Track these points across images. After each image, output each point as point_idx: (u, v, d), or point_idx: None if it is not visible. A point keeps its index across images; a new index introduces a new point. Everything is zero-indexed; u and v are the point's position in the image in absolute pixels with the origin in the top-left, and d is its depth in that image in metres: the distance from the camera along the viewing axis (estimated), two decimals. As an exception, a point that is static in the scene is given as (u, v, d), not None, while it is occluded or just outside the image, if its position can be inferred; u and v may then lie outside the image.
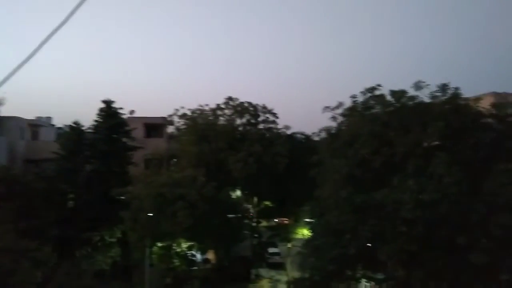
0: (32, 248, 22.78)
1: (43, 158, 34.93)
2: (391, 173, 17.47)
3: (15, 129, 37.27)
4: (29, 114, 60.74)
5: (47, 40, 5.38)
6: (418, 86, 19.19)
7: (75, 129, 32.27)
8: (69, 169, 30.36)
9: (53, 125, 47.78)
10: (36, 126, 41.72)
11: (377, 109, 20.35)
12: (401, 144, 17.58)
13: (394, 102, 19.75)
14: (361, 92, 20.40)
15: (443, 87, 18.98)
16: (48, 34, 5.29)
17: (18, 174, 27.34)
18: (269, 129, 36.99)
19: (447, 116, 18.04)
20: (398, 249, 15.50)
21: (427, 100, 19.47)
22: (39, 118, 44.13)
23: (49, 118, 46.90)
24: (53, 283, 24.28)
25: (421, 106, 19.32)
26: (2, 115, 37.16)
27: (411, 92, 19.38)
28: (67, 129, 35.40)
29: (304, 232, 34.20)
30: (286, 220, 42.62)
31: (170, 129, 40.80)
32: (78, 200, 30.82)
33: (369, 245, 16.84)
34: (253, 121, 36.59)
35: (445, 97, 18.89)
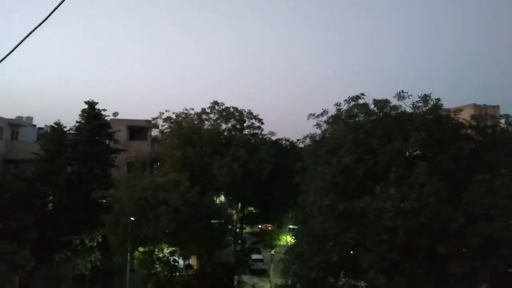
0: (9, 251, 22.33)
1: (23, 158, 34.21)
2: (373, 181, 17.64)
3: (-6, 128, 36.46)
4: (9, 113, 59.43)
5: (26, 38, 5.32)
6: (400, 96, 19.50)
7: (57, 129, 31.79)
8: (49, 170, 29.83)
9: (34, 125, 46.90)
10: (16, 125, 40.88)
11: (360, 118, 20.58)
12: (383, 153, 17.79)
13: (377, 111, 20.02)
14: (345, 101, 20.63)
15: (425, 98, 19.33)
16: (28, 32, 5.22)
17: (-4, 175, 26.76)
18: (254, 134, 37.04)
19: (428, 126, 18.37)
20: (380, 257, 15.62)
21: (409, 110, 19.81)
22: (19, 118, 43.28)
23: (30, 118, 46.07)
24: (32, 287, 23.74)
25: (403, 115, 19.63)
26: (-19, 114, 36.28)
27: (394, 101, 19.71)
28: (49, 130, 34.75)
29: (288, 239, 34.27)
30: (270, 227, 42.67)
31: (154, 132, 40.48)
32: (58, 203, 30.31)
33: (352, 252, 16.99)
34: (238, 126, 36.59)
35: (427, 108, 19.25)
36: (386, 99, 19.66)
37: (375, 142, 18.17)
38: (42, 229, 26.90)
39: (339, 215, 17.00)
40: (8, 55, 5.34)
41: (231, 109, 36.12)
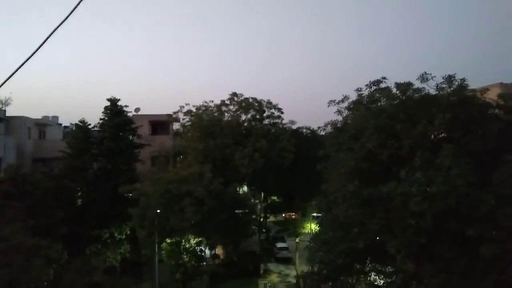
0: (43, 246, 23.14)
1: (51, 157, 35.35)
2: (398, 166, 17.36)
3: (22, 129, 37.71)
4: (35, 113, 61.31)
5: (48, 39, 5.42)
6: (423, 78, 18.98)
7: (82, 127, 32.59)
8: (77, 167, 30.69)
9: (59, 124, 48.21)
10: (43, 125, 42.13)
11: (382, 102, 20.20)
12: (408, 137, 17.45)
13: (399, 94, 19.59)
14: (366, 85, 20.26)
15: (449, 79, 18.75)
16: (49, 33, 5.33)
17: (27, 173, 27.71)
18: (275, 124, 37.05)
19: (454, 107, 17.87)
20: (407, 242, 15.41)
21: (433, 92, 19.31)
22: (46, 117, 44.53)
23: (55, 117, 47.30)
24: (65, 280, 24.59)
25: (427, 98, 19.14)
26: (9, 115, 37.53)
27: (417, 84, 19.24)
28: (74, 128, 35.68)
29: (312, 227, 34.31)
30: (294, 215, 42.76)
31: (176, 126, 41.06)
32: (87, 198, 31.18)
33: (378, 238, 16.84)
34: (258, 116, 36.66)
35: (452, 89, 18.71)
36: (409, 82, 19.19)
37: (398, 126, 17.84)
38: (72, 224, 27.72)
39: (364, 201, 16.83)
40: (31, 56, 5.46)
41: (250, 100, 36.18)
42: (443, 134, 18.87)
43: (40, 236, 23.72)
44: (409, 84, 19.22)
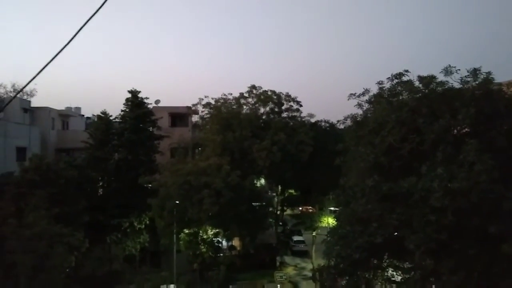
0: (65, 233, 23.79)
1: (74, 147, 36.21)
2: (419, 161, 17.03)
3: (47, 119, 38.70)
4: (59, 104, 62.80)
5: (76, 35, 5.50)
6: (447, 71, 18.48)
7: (103, 119, 33.13)
8: (98, 157, 31.30)
9: (82, 115, 49.23)
10: (66, 116, 43.10)
11: (404, 96, 19.81)
12: (430, 131, 17.07)
13: (422, 88, 19.15)
14: (388, 79, 19.90)
15: (474, 72, 18.20)
16: (76, 30, 5.40)
17: (51, 163, 28.40)
18: (293, 117, 36.85)
19: (478, 102, 17.37)
20: (427, 238, 15.16)
21: (457, 85, 18.81)
22: (68, 109, 45.53)
23: (78, 109, 48.31)
24: (86, 267, 25.24)
25: (451, 92, 18.66)
26: (33, 106, 38.52)
27: (440, 77, 18.78)
28: (96, 119, 36.37)
29: (329, 221, 34.17)
30: (311, 209, 42.65)
31: (195, 118, 41.35)
32: (108, 188, 31.81)
33: (396, 233, 16.63)
34: (276, 109, 36.51)
35: (477, 82, 18.18)
36: (432, 75, 18.73)
37: (420, 121, 17.47)
38: (94, 213, 28.39)
39: (383, 196, 16.62)
40: (60, 51, 5.56)
41: (269, 93, 36.04)
42: (466, 129, 18.39)
43: (63, 224, 24.38)
44: (432, 78, 18.76)
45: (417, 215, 15.70)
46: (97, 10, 4.71)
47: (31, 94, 48.63)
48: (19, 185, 26.41)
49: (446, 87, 18.61)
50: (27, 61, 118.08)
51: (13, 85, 49.36)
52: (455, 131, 18.33)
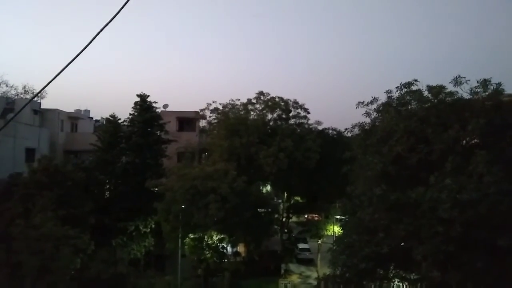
0: (72, 235, 23.88)
1: (82, 149, 36.49)
2: (427, 171, 16.91)
3: (56, 121, 39.11)
4: (68, 107, 63.45)
5: (93, 40, 5.56)
6: (457, 81, 18.42)
7: (112, 122, 33.33)
8: (106, 160, 31.43)
9: (91, 118, 49.60)
10: (75, 118, 43.48)
11: (413, 105, 19.76)
12: (438, 142, 16.98)
13: (431, 98, 19.11)
14: (397, 88, 19.87)
15: (484, 83, 18.11)
16: (92, 37, 5.46)
17: (59, 164, 28.60)
18: (300, 124, 36.85)
19: (488, 113, 17.27)
20: (434, 249, 15.01)
21: (467, 96, 18.72)
22: (78, 111, 45.93)
23: (87, 111, 48.71)
24: (91, 269, 25.27)
25: (460, 102, 18.57)
26: (43, 107, 38.93)
27: (450, 87, 18.71)
28: (104, 122, 36.62)
29: (335, 229, 33.96)
30: (317, 217, 42.46)
31: (202, 123, 41.52)
32: (115, 191, 31.90)
33: (403, 244, 16.49)
34: (284, 116, 36.55)
35: (487, 93, 18.08)
36: (441, 85, 18.67)
37: (429, 131, 17.39)
38: (100, 215, 28.44)
39: (391, 205, 16.51)
40: (76, 56, 5.62)
41: (277, 99, 36.11)
42: (475, 140, 18.26)
43: (69, 225, 24.46)
44: (441, 87, 18.70)
45: (425, 226, 15.56)
46: (112, 18, 4.77)
47: (41, 96, 49.14)
48: (27, 186, 26.62)
49: (456, 97, 18.54)
50: (37, 63, 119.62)
51: (24, 87, 50.00)
52: (464, 142, 18.20)
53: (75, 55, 5.57)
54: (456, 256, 15.38)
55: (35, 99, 46.53)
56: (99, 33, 5.04)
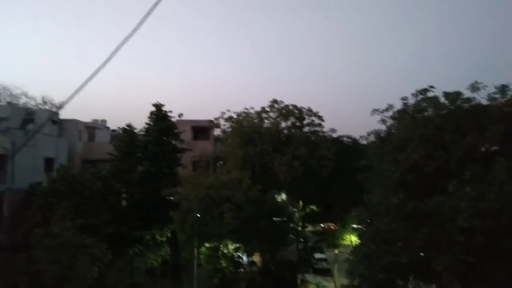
0: (89, 244, 24.13)
1: (99, 158, 36.96)
2: (446, 179, 16.63)
3: (74, 131, 39.78)
4: (86, 117, 64.66)
5: (113, 56, 5.66)
6: (474, 87, 18.15)
7: (128, 131, 33.70)
8: (122, 169, 31.72)
9: (108, 127, 50.30)
10: (93, 128, 44.17)
11: (429, 112, 19.53)
12: (456, 149, 16.71)
13: (448, 104, 18.86)
14: (412, 94, 19.69)
15: (502, 88, 17.82)
16: (113, 50, 5.56)
17: (77, 174, 29.05)
18: (315, 132, 36.62)
19: (507, 119, 16.94)
20: (455, 260, 14.68)
21: (484, 102, 18.40)
22: (95, 121, 46.66)
23: (104, 121, 49.45)
24: (108, 279, 25.43)
25: (478, 108, 18.28)
26: (62, 118, 39.71)
27: (467, 93, 18.43)
28: (121, 132, 37.10)
29: (352, 239, 33.48)
30: (333, 226, 41.95)
31: (217, 131, 41.70)
32: (131, 200, 32.11)
33: (422, 254, 16.17)
34: (298, 124, 36.40)
35: (505, 99, 17.75)
36: (458, 91, 18.44)
37: (446, 138, 17.15)
38: (117, 224, 28.64)
39: (408, 214, 16.27)
40: (100, 68, 5.74)
41: (290, 107, 36.03)
42: (495, 147, 17.90)
43: (87, 234, 24.75)
44: (458, 94, 18.47)
45: (445, 236, 15.26)
46: (131, 33, 4.85)
47: (60, 107, 50.26)
48: (46, 195, 27.07)
49: (473, 103, 18.26)
50: (56, 75, 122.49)
51: (43, 98, 51.25)
52: (483, 149, 17.87)
53: (95, 68, 5.68)
54: (478, 267, 15.01)
55: (54, 109, 47.56)
56: (119, 47, 5.14)
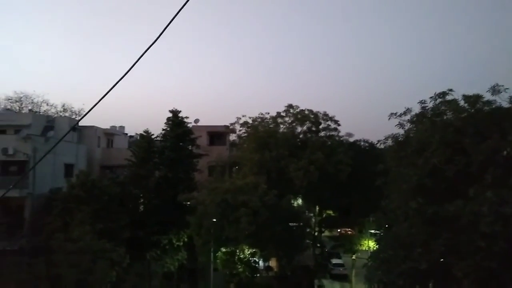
0: (108, 249, 24.46)
1: (117, 164, 37.51)
2: (466, 184, 16.28)
3: (93, 138, 40.51)
4: (104, 123, 65.85)
5: (136, 63, 5.73)
6: (495, 89, 17.75)
7: (145, 137, 34.13)
8: (140, 175, 32.10)
9: (125, 133, 51.05)
10: (111, 135, 44.89)
11: (448, 115, 19.19)
12: (477, 153, 16.34)
13: (468, 107, 18.51)
14: (431, 98, 19.37)
15: (525, 90, 17.38)
16: (133, 62, 5.64)
17: (96, 179, 29.56)
18: (331, 136, 36.44)
19: (530, 122, 16.53)
20: (476, 266, 14.32)
21: (506, 105, 17.99)
22: (113, 127, 47.43)
23: (122, 127, 50.22)
24: (127, 283, 25.69)
25: (499, 111, 17.86)
26: (81, 124, 40.53)
27: (487, 96, 18.05)
28: (138, 138, 37.61)
29: (370, 244, 33.04)
30: (350, 231, 41.48)
31: (232, 137, 41.90)
32: (148, 205, 32.47)
33: (443, 260, 15.82)
34: (314, 128, 36.30)
35: (527, 102, 17.29)
36: (478, 94, 18.07)
37: (467, 141, 16.78)
38: (134, 229, 29.01)
39: (428, 219, 15.96)
40: (121, 78, 5.82)
41: (306, 112, 35.97)
42: (517, 151, 17.44)
43: (106, 239, 25.10)
44: (478, 97, 18.09)
45: (465, 241, 14.92)
46: (152, 44, 4.94)
47: (79, 114, 51.41)
48: (66, 201, 27.61)
49: (494, 106, 17.86)
50: (76, 81, 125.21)
51: (63, 105, 52.50)
52: (505, 152, 17.43)
53: (116, 83, 5.77)
54: (500, 274, 14.60)
55: (73, 116, 48.58)
56: (140, 58, 5.24)
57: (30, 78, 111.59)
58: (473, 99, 18.05)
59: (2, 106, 48.47)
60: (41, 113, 47.04)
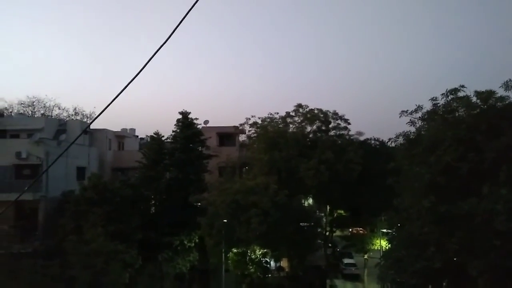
0: (120, 250, 24.65)
1: (128, 166, 37.78)
2: (479, 181, 16.04)
3: (104, 140, 40.86)
4: (115, 126, 66.47)
5: (146, 65, 5.74)
6: (508, 85, 17.46)
7: (156, 139, 34.33)
8: (151, 177, 32.29)
9: (136, 136, 51.41)
10: (122, 137, 45.25)
11: (460, 112, 18.94)
12: (490, 149, 16.08)
13: (480, 103, 18.24)
14: (442, 95, 19.13)
15: (539, 87, 17.06)
16: (143, 65, 5.65)
17: (107, 182, 29.82)
18: (341, 135, 36.22)
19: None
20: (491, 264, 14.10)
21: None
22: (124, 130, 47.81)
23: (132, 130, 50.60)
24: (139, 284, 25.86)
25: (512, 107, 17.59)
26: (92, 127, 40.98)
27: (500, 92, 17.77)
28: (149, 140, 37.81)
29: (382, 243, 32.78)
30: (361, 230, 41.19)
31: (242, 137, 41.90)
32: (159, 206, 32.63)
33: (456, 259, 15.61)
34: (323, 128, 36.12)
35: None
36: (491, 90, 17.79)
37: (479, 138, 16.53)
38: (146, 230, 29.17)
39: (441, 218, 15.75)
40: (131, 81, 5.84)
41: (316, 111, 35.81)
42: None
43: (118, 241, 25.29)
44: (491, 93, 17.82)
45: (480, 239, 14.69)
46: (162, 45, 4.96)
47: (91, 117, 51.98)
48: (79, 203, 27.90)
49: (507, 102, 17.58)
50: (87, 86, 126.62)
51: (75, 109, 53.14)
52: (519, 149, 17.12)
53: (125, 86, 5.80)
54: (516, 272, 14.36)
55: (85, 119, 49.11)
56: (148, 62, 5.26)
57: (42, 83, 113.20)
58: (486, 95, 17.78)
59: (15, 111, 49.25)
60: (53, 117, 47.66)
